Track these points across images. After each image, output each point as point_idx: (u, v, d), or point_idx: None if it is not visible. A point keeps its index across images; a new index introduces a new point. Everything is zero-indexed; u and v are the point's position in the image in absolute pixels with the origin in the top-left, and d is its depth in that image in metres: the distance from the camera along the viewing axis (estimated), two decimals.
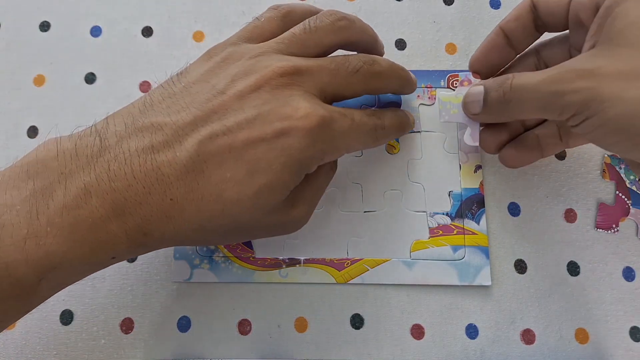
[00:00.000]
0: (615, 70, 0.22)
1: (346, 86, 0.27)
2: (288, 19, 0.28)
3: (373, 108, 0.33)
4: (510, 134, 0.31)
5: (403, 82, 0.30)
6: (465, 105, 0.29)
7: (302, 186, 0.26)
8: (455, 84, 0.34)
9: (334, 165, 0.29)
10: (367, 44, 0.30)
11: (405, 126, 0.31)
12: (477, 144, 0.30)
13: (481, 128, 0.30)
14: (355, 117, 0.26)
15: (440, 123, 0.33)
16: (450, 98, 0.30)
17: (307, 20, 0.27)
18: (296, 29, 0.27)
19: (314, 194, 0.27)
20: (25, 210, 0.21)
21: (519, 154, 0.30)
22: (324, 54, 0.27)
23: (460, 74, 0.31)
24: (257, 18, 0.28)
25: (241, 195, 0.23)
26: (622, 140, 0.23)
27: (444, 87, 0.34)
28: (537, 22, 0.28)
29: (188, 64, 0.27)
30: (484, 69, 0.30)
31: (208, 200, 0.23)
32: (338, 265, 0.31)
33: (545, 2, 0.28)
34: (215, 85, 0.25)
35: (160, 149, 0.23)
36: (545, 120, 0.31)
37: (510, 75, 0.26)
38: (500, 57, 0.30)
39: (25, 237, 0.21)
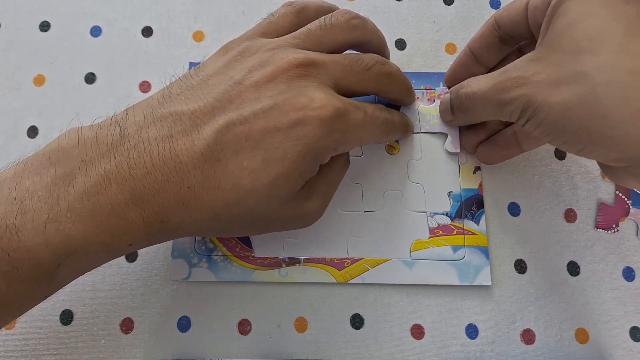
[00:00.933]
0: (545, 77, 0.24)
1: (358, 82, 0.27)
2: (302, 15, 0.28)
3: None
4: (489, 132, 0.32)
5: (407, 89, 0.32)
6: (440, 113, 0.33)
7: (316, 179, 0.26)
8: None
9: (347, 160, 0.29)
10: (377, 46, 0.30)
11: (410, 127, 0.32)
12: (458, 150, 0.33)
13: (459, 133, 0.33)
14: (368, 110, 0.27)
15: (441, 123, 0.33)
16: (430, 110, 0.33)
17: (322, 17, 0.28)
18: (312, 26, 0.27)
19: (327, 188, 0.28)
20: (47, 196, 0.22)
21: (491, 151, 0.32)
22: (337, 51, 0.28)
23: (437, 88, 0.34)
24: (271, 14, 0.28)
25: (257, 184, 0.23)
26: (555, 138, 0.25)
27: (444, 87, 0.34)
28: (503, 37, 0.29)
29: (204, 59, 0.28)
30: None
31: (224, 189, 0.23)
32: (338, 264, 0.31)
33: (505, 15, 0.28)
34: (232, 77, 0.25)
35: (178, 138, 0.23)
36: None
37: (465, 82, 0.29)
38: (470, 74, 0.31)
39: (45, 222, 0.21)
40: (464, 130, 0.33)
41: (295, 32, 0.27)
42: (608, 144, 0.23)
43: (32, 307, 0.24)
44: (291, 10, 0.28)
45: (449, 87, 0.33)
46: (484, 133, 0.32)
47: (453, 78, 0.33)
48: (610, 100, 0.22)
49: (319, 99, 0.24)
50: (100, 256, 0.23)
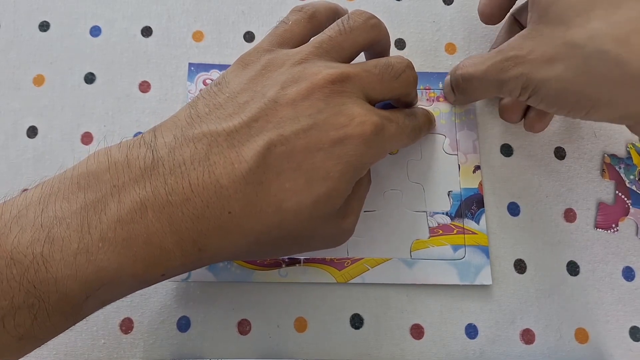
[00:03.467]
0: (541, 54, 0.26)
1: (389, 91, 0.27)
2: (315, 20, 0.28)
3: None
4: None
5: (417, 93, 0.31)
6: (445, 95, 0.34)
7: (350, 196, 0.26)
8: None
9: (369, 175, 0.29)
10: (386, 45, 0.30)
11: (433, 122, 0.33)
12: (456, 153, 0.33)
13: (459, 132, 0.33)
14: (399, 120, 0.27)
15: (440, 125, 0.33)
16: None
17: (339, 21, 0.27)
18: (332, 32, 0.27)
19: (358, 204, 0.27)
20: (76, 224, 0.20)
21: (538, 117, 0.32)
22: (357, 52, 0.28)
23: (436, 90, 0.34)
24: (283, 21, 0.28)
25: (300, 205, 0.23)
26: (559, 109, 0.27)
27: (442, 89, 0.34)
28: None
29: (222, 74, 0.27)
30: (495, 11, 0.32)
31: (266, 212, 0.22)
32: (338, 264, 0.31)
33: None
34: (264, 94, 0.24)
35: (216, 160, 0.22)
36: None
37: (460, 64, 0.30)
38: None
39: (75, 252, 0.20)
40: (504, 102, 0.32)
41: (316, 40, 0.26)
42: (608, 106, 0.25)
43: (51, 339, 0.22)
44: (303, 16, 0.27)
45: (485, 19, 0.32)
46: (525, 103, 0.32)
47: (490, 3, 0.31)
48: (602, 68, 0.24)
49: (358, 116, 0.24)
50: (131, 286, 0.22)
